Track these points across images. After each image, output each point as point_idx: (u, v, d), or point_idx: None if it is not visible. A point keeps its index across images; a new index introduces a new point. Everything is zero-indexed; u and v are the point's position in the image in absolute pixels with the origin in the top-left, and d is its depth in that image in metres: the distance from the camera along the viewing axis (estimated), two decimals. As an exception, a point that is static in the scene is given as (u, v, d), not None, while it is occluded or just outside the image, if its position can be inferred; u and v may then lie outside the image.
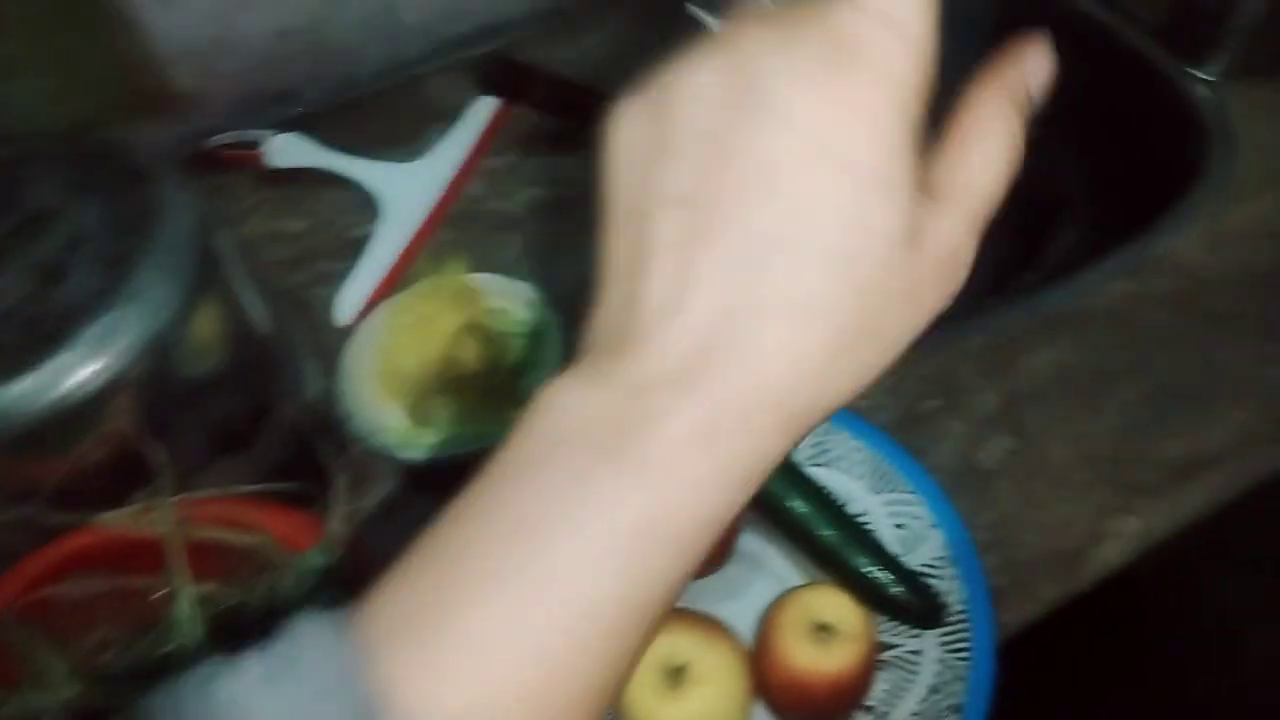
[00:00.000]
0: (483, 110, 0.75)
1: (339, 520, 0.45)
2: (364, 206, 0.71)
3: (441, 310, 0.59)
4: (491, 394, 0.57)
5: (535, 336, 0.59)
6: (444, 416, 0.57)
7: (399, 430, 0.56)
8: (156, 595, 0.47)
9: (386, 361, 0.58)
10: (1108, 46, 0.78)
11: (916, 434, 0.56)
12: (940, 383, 0.58)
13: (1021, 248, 0.78)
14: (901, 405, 0.57)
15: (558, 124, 0.72)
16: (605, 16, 0.83)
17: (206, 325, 0.52)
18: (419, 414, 0.58)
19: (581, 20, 0.82)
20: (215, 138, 0.74)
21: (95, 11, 0.62)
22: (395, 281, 0.66)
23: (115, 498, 0.48)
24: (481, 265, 0.66)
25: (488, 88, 0.67)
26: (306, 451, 0.54)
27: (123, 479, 0.49)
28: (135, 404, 0.48)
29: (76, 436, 0.47)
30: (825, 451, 0.53)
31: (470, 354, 0.57)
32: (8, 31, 0.61)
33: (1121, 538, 0.52)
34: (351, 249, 0.68)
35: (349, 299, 0.65)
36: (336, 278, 0.67)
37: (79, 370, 0.46)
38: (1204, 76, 0.72)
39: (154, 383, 0.49)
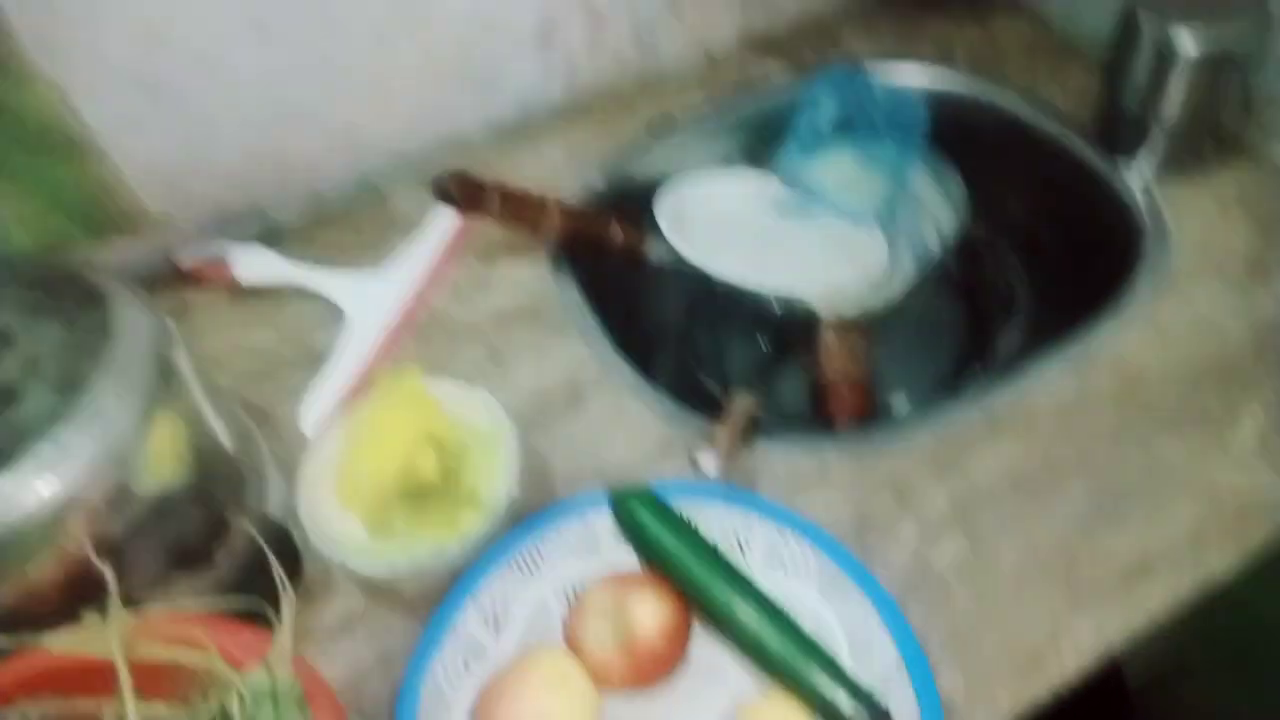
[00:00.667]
0: (444, 221, 0.77)
1: (286, 636, 0.45)
2: (330, 318, 0.72)
3: (399, 420, 0.59)
4: (449, 503, 0.58)
5: (493, 445, 0.60)
6: (402, 527, 0.57)
7: (357, 542, 0.57)
8: (106, 718, 0.46)
9: (344, 473, 0.58)
10: (1041, 146, 0.82)
11: (868, 536, 0.56)
12: (891, 483, 0.59)
13: (970, 346, 0.80)
14: (853, 506, 0.58)
15: (518, 239, 0.75)
16: (565, 128, 0.86)
17: (164, 442, 0.52)
18: (377, 525, 0.58)
19: (538, 134, 0.86)
20: (184, 254, 0.76)
21: (65, 138, 0.64)
22: (358, 391, 0.67)
23: (67, 616, 0.48)
24: (443, 373, 0.68)
25: (443, 201, 0.69)
26: (264, 567, 0.54)
27: (75, 597, 0.49)
28: (89, 523, 0.48)
29: (28, 556, 0.47)
30: (776, 557, 0.53)
31: (427, 463, 0.58)
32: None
33: (1078, 642, 0.52)
34: (315, 360, 0.70)
35: (312, 410, 0.65)
36: (301, 388, 0.68)
37: (31, 491, 0.46)
38: (1134, 172, 0.76)
39: (109, 501, 0.49)
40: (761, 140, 0.88)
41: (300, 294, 0.74)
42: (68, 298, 0.53)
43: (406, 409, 0.60)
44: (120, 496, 0.50)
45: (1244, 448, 0.60)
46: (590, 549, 0.54)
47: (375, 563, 0.55)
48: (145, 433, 0.50)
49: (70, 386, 0.49)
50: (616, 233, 0.75)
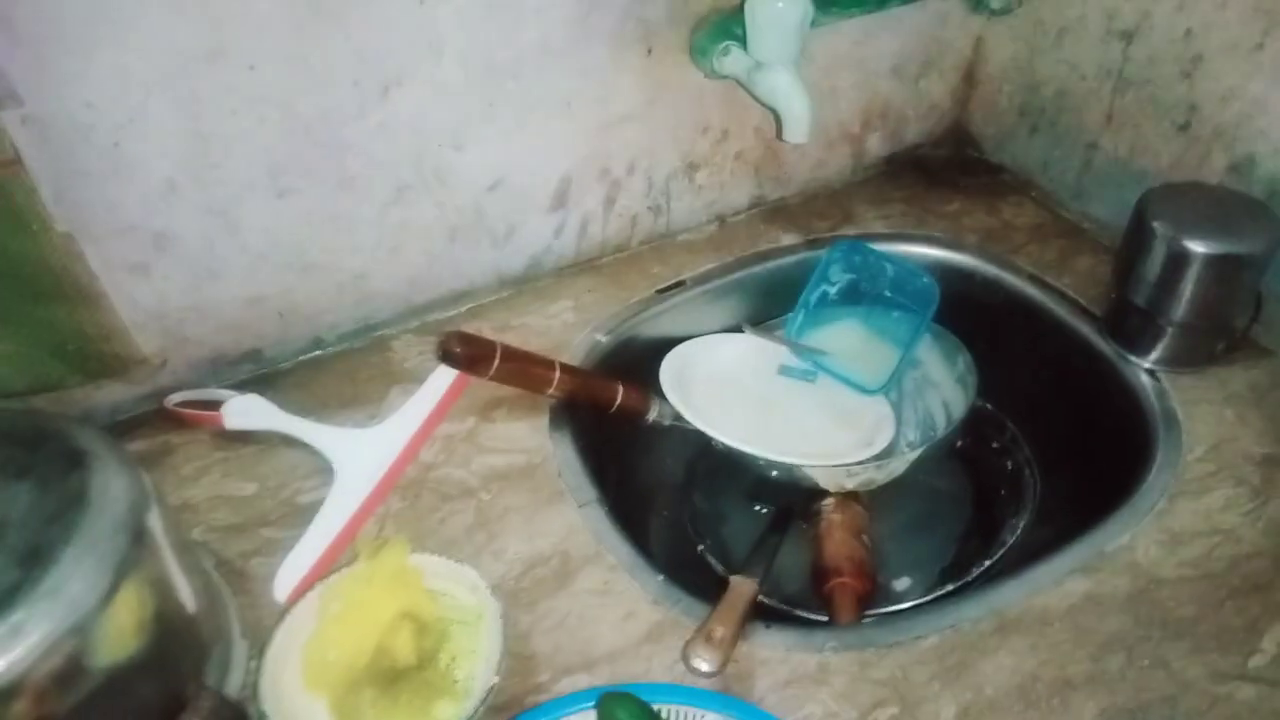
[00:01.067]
0: (443, 376, 0.76)
1: None
2: (316, 470, 0.70)
3: (377, 596, 0.57)
4: (424, 689, 0.54)
5: (476, 625, 0.57)
6: (371, 713, 0.54)
7: (320, 730, 0.53)
8: None
9: (314, 650, 0.55)
10: (1051, 330, 0.82)
11: (871, 752, 0.53)
12: (895, 688, 0.55)
13: (976, 528, 0.77)
14: (854, 712, 0.54)
15: (517, 393, 0.73)
16: (573, 284, 0.86)
17: (127, 613, 0.50)
18: (344, 711, 0.54)
19: (546, 289, 0.86)
20: (176, 397, 0.74)
21: (70, 285, 0.64)
22: (337, 555, 0.64)
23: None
24: (429, 537, 0.65)
25: (446, 361, 0.69)
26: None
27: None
28: (34, 704, 0.45)
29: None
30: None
31: (404, 644, 0.55)
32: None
33: None
34: (298, 515, 0.67)
35: (287, 574, 0.62)
36: (277, 547, 0.65)
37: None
38: (1144, 364, 0.75)
39: (60, 678, 0.46)
40: (769, 305, 0.88)
41: (289, 442, 0.72)
42: (47, 457, 0.52)
43: (387, 584, 0.57)
44: (73, 672, 0.47)
45: (1265, 668, 0.56)
46: (572, 755, 0.50)
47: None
48: (108, 605, 0.48)
49: (35, 558, 0.47)
50: (619, 393, 0.74)
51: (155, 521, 0.53)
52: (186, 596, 0.55)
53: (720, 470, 0.83)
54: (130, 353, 0.70)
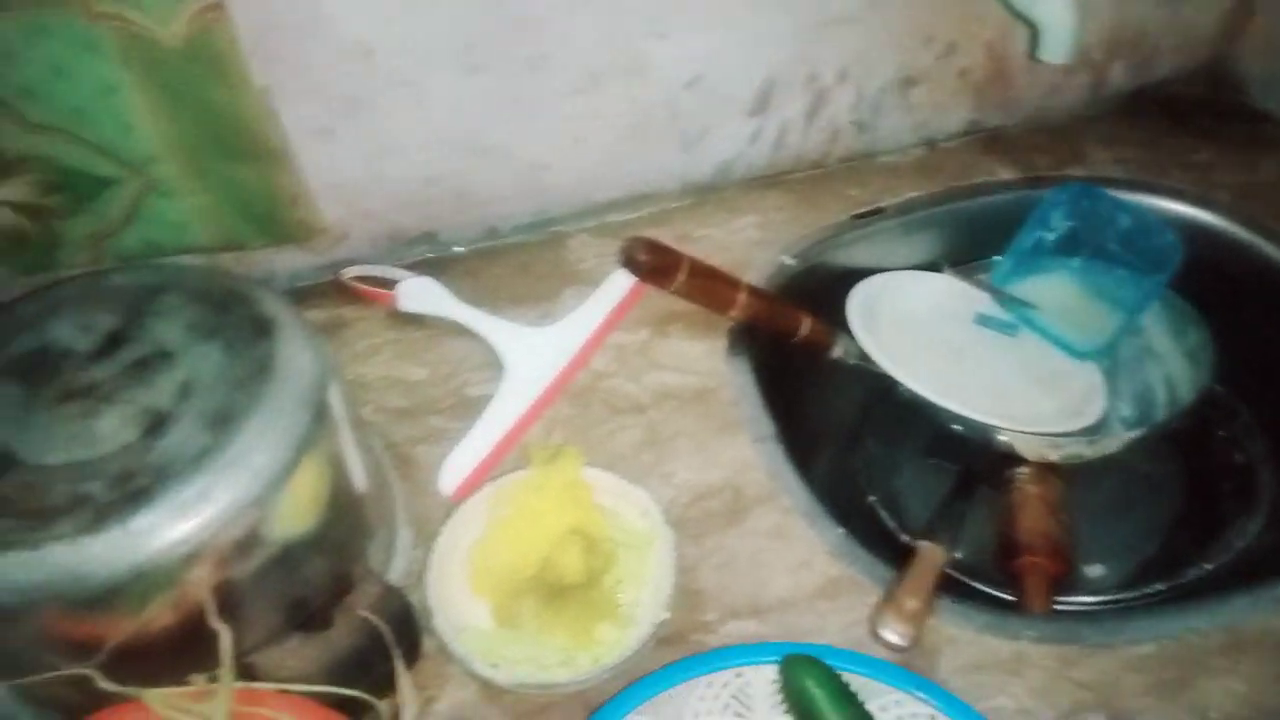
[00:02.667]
0: (620, 282, 0.72)
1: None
2: (485, 364, 0.68)
3: (548, 506, 0.54)
4: (587, 609, 0.52)
5: (643, 550, 0.54)
6: (532, 624, 0.52)
7: (482, 632, 0.51)
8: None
9: (480, 554, 0.53)
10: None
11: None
12: (1101, 694, 0.50)
13: (1191, 528, 0.69)
14: (1051, 713, 0.49)
15: (696, 309, 0.68)
16: (761, 199, 0.80)
17: (305, 487, 0.48)
18: (505, 616, 0.52)
19: (733, 201, 0.80)
20: (352, 271, 0.73)
21: (262, 144, 0.62)
22: (504, 455, 0.62)
23: (173, 669, 0.44)
24: (596, 449, 0.62)
25: (629, 268, 0.64)
26: (379, 645, 0.49)
27: (185, 650, 0.46)
28: (213, 571, 0.44)
29: (148, 600, 0.43)
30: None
31: (573, 561, 0.52)
32: (173, 153, 0.61)
33: None
34: (466, 407, 0.65)
35: (454, 467, 0.61)
36: (444, 436, 0.63)
37: (164, 535, 0.42)
38: None
39: (238, 548, 0.45)
40: (974, 246, 0.80)
41: (459, 331, 0.70)
42: (236, 321, 0.50)
43: (558, 495, 0.54)
44: (250, 543, 0.46)
45: None
46: (741, 711, 0.47)
47: (499, 670, 0.49)
48: (289, 478, 0.46)
49: (223, 422, 0.45)
50: (804, 324, 0.68)
51: (335, 396, 0.51)
52: (358, 476, 0.54)
53: (898, 418, 0.76)
54: (313, 220, 0.68)
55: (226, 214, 0.66)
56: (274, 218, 0.66)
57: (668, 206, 0.80)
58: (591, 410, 0.66)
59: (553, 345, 0.68)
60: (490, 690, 0.51)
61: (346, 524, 0.53)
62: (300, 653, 0.48)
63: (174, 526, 0.42)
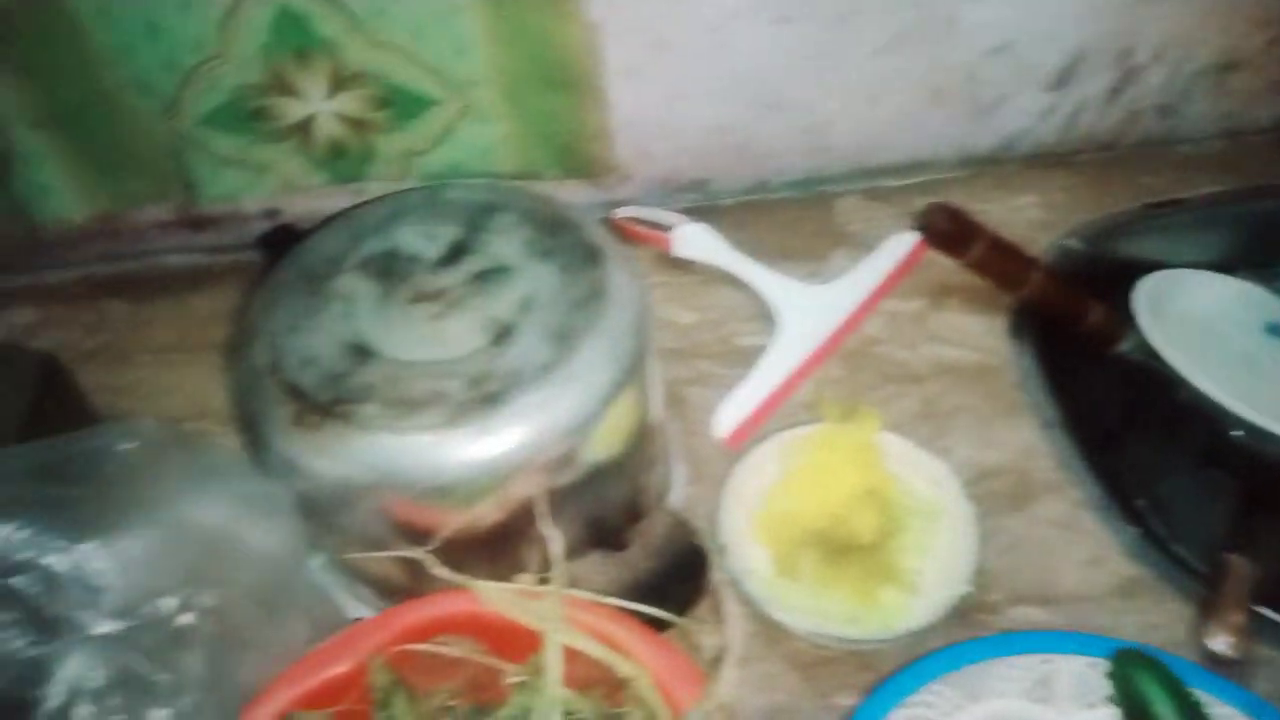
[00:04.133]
0: (896, 246, 0.70)
1: (725, 683, 0.41)
2: (755, 315, 0.68)
3: (839, 463, 0.54)
4: (873, 570, 0.51)
5: (933, 521, 0.53)
6: (811, 577, 0.52)
7: (766, 578, 0.52)
8: (510, 680, 0.44)
9: (768, 502, 0.54)
10: None
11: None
12: None
13: None
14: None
15: (976, 282, 0.66)
16: (1045, 178, 0.76)
17: (623, 412, 0.50)
18: (786, 565, 0.53)
19: (1014, 177, 0.77)
20: (626, 211, 0.74)
21: (576, 75, 0.64)
22: (777, 406, 0.62)
23: (489, 567, 0.47)
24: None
25: (923, 232, 0.63)
26: (674, 571, 0.50)
27: (501, 549, 0.48)
28: (543, 481, 0.46)
29: (484, 497, 0.46)
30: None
31: (866, 521, 0.52)
32: (496, 78, 0.63)
33: None
34: (736, 356, 0.65)
35: (729, 412, 0.61)
36: (713, 381, 0.64)
37: (513, 437, 0.44)
38: None
39: (560, 462, 0.47)
40: (1274, 249, 0.74)
41: (728, 281, 0.70)
42: (567, 245, 0.52)
43: (850, 454, 0.54)
44: (570, 459, 0.47)
45: None
46: (1043, 697, 0.45)
47: (792, 617, 0.50)
48: (613, 401, 0.48)
49: (563, 338, 0.47)
50: (1094, 312, 0.65)
51: (652, 330, 0.52)
52: (656, 407, 0.55)
53: (1169, 420, 0.72)
54: (607, 157, 0.70)
55: (530, 143, 0.68)
56: (574, 151, 0.68)
57: (943, 176, 0.77)
58: (862, 375, 0.65)
59: (828, 304, 0.67)
60: (771, 634, 0.51)
61: (640, 453, 0.54)
62: (602, 570, 0.50)
63: (522, 430, 0.45)
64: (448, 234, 0.53)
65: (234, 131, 0.66)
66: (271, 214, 0.73)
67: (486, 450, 0.44)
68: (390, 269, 0.51)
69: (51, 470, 0.38)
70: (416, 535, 0.46)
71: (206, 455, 0.46)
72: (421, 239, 0.52)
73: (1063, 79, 0.73)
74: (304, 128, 0.67)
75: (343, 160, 0.69)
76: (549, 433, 0.45)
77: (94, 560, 0.37)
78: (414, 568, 0.46)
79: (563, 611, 0.42)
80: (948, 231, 0.62)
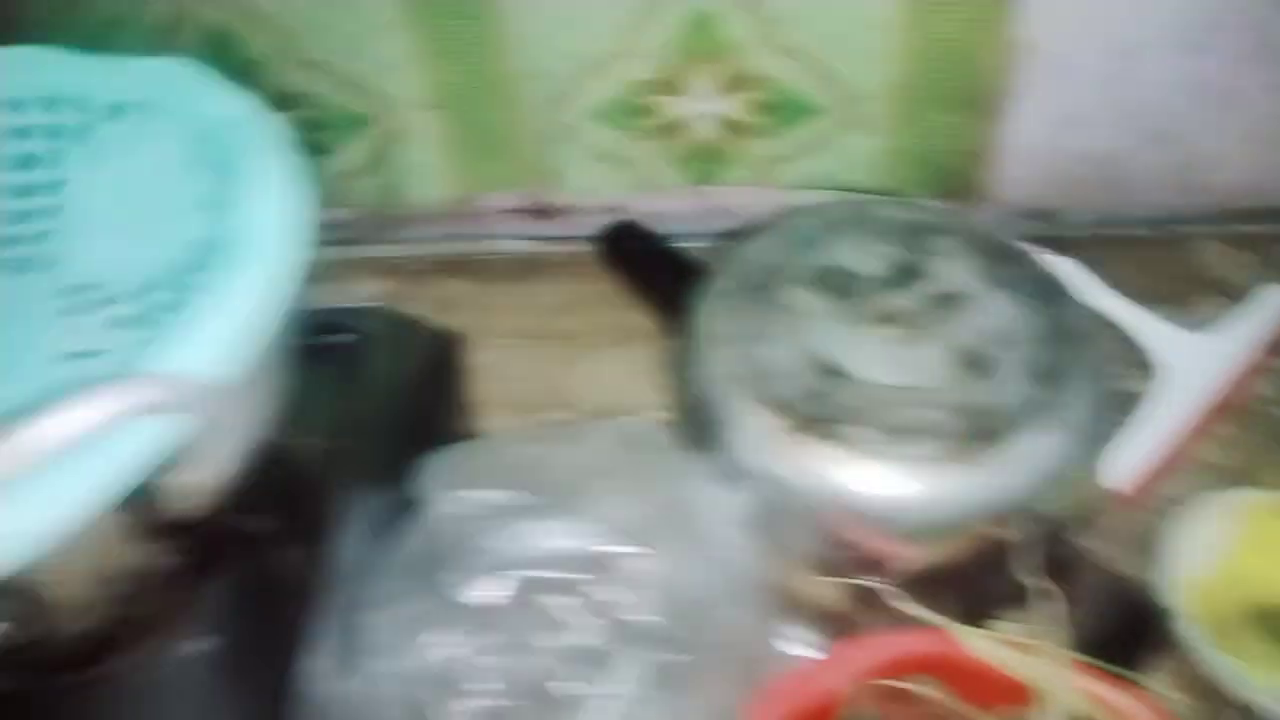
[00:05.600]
0: (1272, 300, 0.65)
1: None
2: (1120, 358, 0.64)
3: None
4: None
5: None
6: (1254, 657, 0.48)
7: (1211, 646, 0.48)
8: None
9: (1207, 568, 0.50)
10: None
11: None
12: None
13: None
14: None
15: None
16: None
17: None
18: (1221, 639, 0.49)
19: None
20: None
21: (981, 95, 0.61)
22: (1179, 462, 0.58)
23: (938, 605, 0.45)
24: (1260, 482, 0.57)
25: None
26: (1122, 631, 0.47)
27: (954, 591, 0.46)
28: (1022, 524, 0.44)
29: (960, 536, 0.44)
30: None
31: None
32: (893, 91, 0.61)
33: None
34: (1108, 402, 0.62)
35: (1124, 463, 0.58)
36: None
37: (1010, 478, 0.43)
38: None
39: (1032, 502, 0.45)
40: None
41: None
42: (1020, 276, 0.50)
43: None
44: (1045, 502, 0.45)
45: None
46: None
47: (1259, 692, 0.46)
48: (1101, 442, 0.46)
49: (1047, 377, 0.45)
50: None
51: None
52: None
53: None
54: (979, 180, 0.67)
55: (906, 159, 0.66)
56: (948, 171, 0.66)
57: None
58: (1255, 435, 0.61)
59: (1214, 354, 0.63)
60: (1213, 701, 0.48)
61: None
62: (1038, 622, 0.48)
63: (1019, 471, 0.43)
64: (889, 253, 0.51)
65: (614, 126, 0.66)
66: (613, 210, 0.73)
67: (981, 488, 0.42)
68: (841, 285, 0.49)
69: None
70: (870, 565, 0.45)
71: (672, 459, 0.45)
72: (864, 256, 0.51)
73: None
74: (676, 126, 0.66)
75: (702, 162, 0.68)
76: (1041, 476, 0.43)
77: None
78: (867, 600, 0.45)
79: (1067, 669, 0.40)
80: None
